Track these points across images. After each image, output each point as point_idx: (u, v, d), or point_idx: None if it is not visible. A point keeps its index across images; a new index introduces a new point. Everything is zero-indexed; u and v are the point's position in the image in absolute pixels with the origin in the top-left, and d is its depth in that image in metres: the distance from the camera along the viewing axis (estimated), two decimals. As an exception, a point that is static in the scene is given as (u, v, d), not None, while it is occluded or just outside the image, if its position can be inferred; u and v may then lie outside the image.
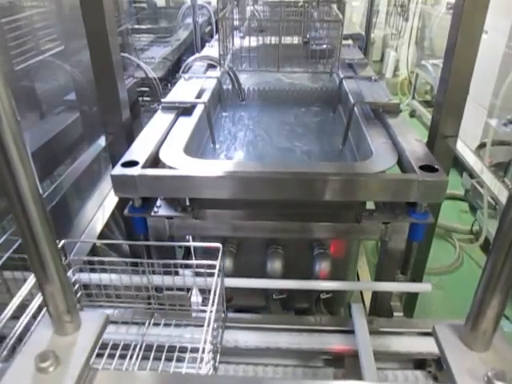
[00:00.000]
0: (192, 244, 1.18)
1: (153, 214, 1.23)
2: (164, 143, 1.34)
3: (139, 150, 1.27)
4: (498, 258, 0.47)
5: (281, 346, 1.17)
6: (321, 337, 1.20)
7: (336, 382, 1.06)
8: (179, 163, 1.21)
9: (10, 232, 1.19)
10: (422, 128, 4.54)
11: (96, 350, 0.48)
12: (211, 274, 1.04)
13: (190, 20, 3.39)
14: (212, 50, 2.33)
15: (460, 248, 2.99)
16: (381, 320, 1.24)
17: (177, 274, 1.15)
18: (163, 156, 1.26)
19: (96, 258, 1.10)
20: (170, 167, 1.20)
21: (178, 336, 1.14)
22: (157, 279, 1.13)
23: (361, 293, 2.03)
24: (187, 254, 1.77)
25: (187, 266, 1.13)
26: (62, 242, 1.07)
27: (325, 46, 2.07)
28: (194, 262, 1.10)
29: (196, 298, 1.38)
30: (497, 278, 0.47)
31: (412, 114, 5.14)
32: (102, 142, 1.76)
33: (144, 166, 1.18)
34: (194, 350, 1.09)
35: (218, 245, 1.06)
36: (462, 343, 0.50)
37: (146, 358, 1.08)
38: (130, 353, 1.08)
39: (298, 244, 1.41)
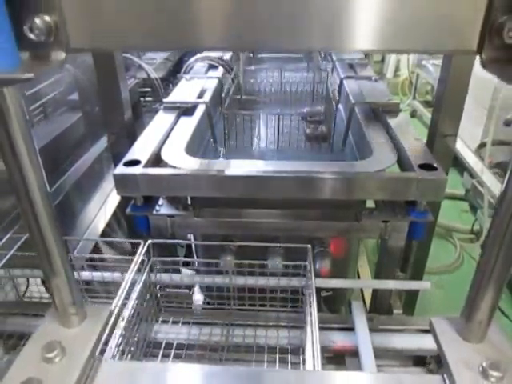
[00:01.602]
0: (279, 245, 1.22)
1: (154, 212, 1.24)
2: (166, 143, 1.36)
3: (141, 149, 1.28)
4: (491, 251, 0.48)
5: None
6: (321, 334, 1.21)
7: (336, 372, 1.07)
8: (181, 162, 1.22)
9: (13, 231, 1.20)
10: (422, 128, 4.54)
11: (101, 342, 0.50)
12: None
13: None
14: (213, 50, 2.34)
15: (460, 247, 3.00)
16: (381, 318, 1.25)
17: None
18: (165, 155, 1.27)
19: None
20: (172, 166, 1.21)
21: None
22: (240, 280, 1.16)
23: (361, 291, 2.04)
24: (188, 252, 1.78)
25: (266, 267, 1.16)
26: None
27: (319, 130, 1.95)
28: (285, 263, 1.15)
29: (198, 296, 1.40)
30: (491, 270, 0.49)
31: (413, 114, 5.15)
32: (104, 141, 1.78)
33: (146, 165, 1.19)
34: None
35: (307, 246, 1.10)
36: (457, 335, 0.51)
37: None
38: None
39: (299, 242, 1.42)
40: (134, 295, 1.00)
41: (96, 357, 0.49)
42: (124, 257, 1.09)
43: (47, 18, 0.40)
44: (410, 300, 1.75)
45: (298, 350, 1.10)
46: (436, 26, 0.40)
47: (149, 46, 0.45)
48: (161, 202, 1.28)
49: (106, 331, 0.52)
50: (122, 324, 0.90)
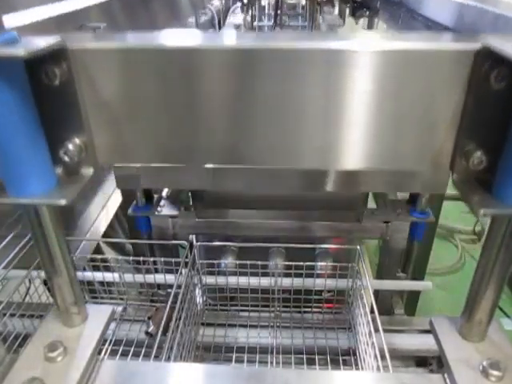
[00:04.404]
0: (327, 246, 1.24)
1: (156, 213, 1.25)
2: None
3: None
4: (491, 250, 0.48)
5: (282, 343, 1.17)
6: (322, 334, 1.21)
7: (337, 371, 1.07)
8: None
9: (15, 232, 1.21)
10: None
11: (102, 342, 0.50)
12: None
13: (192, 20, 3.40)
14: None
15: (462, 248, 3.00)
16: (382, 318, 1.25)
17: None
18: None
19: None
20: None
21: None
22: (285, 281, 1.20)
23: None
24: (190, 253, 1.78)
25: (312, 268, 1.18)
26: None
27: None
28: (329, 264, 1.18)
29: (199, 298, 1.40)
30: (491, 269, 0.49)
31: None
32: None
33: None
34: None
35: (357, 247, 1.13)
36: (458, 334, 0.52)
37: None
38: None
39: (300, 243, 1.42)
40: (180, 297, 1.01)
41: (97, 356, 0.49)
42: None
43: (78, 140, 0.45)
44: (411, 300, 1.75)
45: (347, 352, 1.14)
46: (417, 148, 0.47)
47: (160, 162, 0.52)
48: (162, 202, 1.28)
49: (109, 330, 0.52)
50: (171, 326, 0.90)
